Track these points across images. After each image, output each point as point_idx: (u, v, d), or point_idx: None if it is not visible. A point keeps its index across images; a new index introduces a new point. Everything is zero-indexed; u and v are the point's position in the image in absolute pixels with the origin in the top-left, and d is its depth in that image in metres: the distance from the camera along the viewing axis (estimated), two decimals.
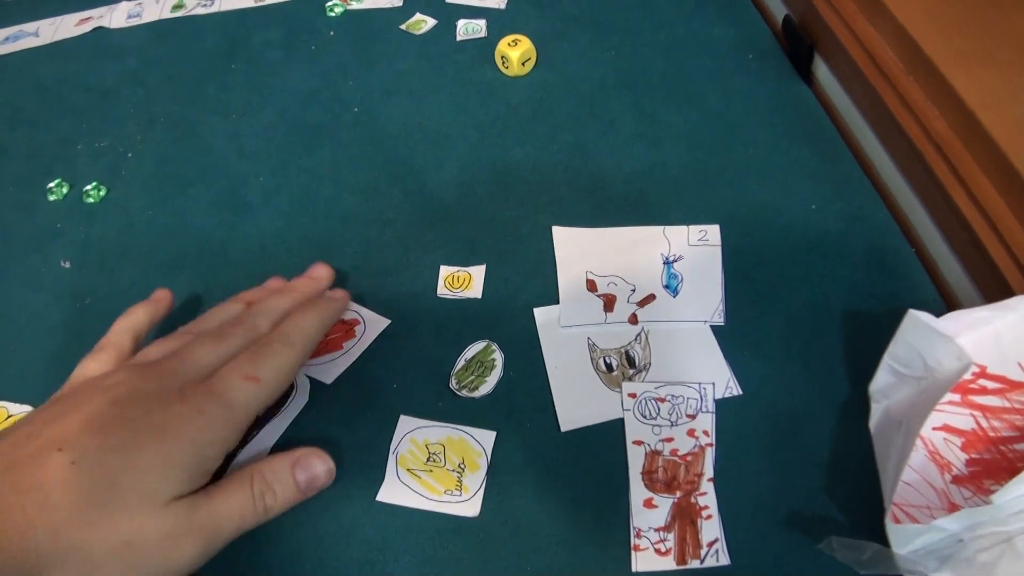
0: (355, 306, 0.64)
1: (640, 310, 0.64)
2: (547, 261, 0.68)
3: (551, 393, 0.60)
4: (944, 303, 0.61)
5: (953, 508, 0.47)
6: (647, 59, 0.83)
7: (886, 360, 0.54)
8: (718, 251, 0.67)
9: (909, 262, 0.66)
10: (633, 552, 0.52)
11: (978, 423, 0.54)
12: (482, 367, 0.61)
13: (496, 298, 0.66)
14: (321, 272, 0.64)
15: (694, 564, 0.51)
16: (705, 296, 0.65)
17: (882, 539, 0.48)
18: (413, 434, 0.59)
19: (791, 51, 0.81)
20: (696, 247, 0.68)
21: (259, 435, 0.59)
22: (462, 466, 0.57)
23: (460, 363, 0.62)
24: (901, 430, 0.52)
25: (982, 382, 0.55)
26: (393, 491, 0.56)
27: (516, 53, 0.79)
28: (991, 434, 0.53)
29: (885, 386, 0.55)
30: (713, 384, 0.59)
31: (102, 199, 0.75)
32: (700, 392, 0.59)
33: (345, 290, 0.63)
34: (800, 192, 0.70)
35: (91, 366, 0.54)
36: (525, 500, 0.55)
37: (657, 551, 0.52)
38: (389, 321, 0.63)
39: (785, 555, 0.51)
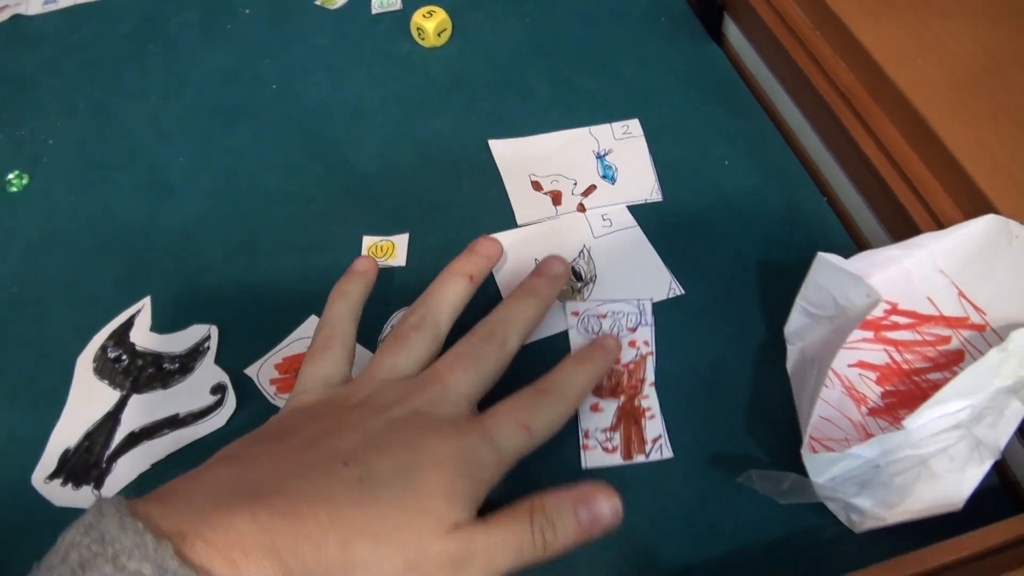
0: None
1: (585, 199, 0.68)
2: (469, 226, 0.69)
3: None
4: (857, 248, 0.63)
5: (870, 439, 0.49)
6: (561, 27, 0.83)
7: (799, 302, 0.56)
8: (643, 140, 0.74)
9: (822, 212, 0.67)
10: (582, 451, 0.55)
11: (892, 357, 0.56)
12: None
13: (421, 265, 0.67)
14: (555, 266, 0.61)
15: (639, 459, 0.55)
16: (640, 179, 0.71)
17: (802, 472, 0.49)
18: None
19: (702, 13, 0.82)
20: (622, 139, 0.73)
21: (167, 436, 0.60)
22: None
23: (387, 329, 0.63)
24: (815, 366, 0.54)
25: (894, 318, 0.57)
26: None
27: (431, 24, 0.80)
28: (904, 367, 0.55)
29: (799, 328, 0.57)
30: (651, 299, 0.63)
31: (24, 188, 0.74)
32: (639, 308, 0.62)
33: (617, 339, 0.59)
34: (715, 150, 0.72)
35: (325, 367, 0.54)
36: None
37: (604, 449, 0.55)
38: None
39: (724, 450, 0.55)
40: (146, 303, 0.67)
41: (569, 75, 0.79)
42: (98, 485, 0.57)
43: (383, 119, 0.77)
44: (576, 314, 0.62)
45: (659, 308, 0.62)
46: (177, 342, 0.64)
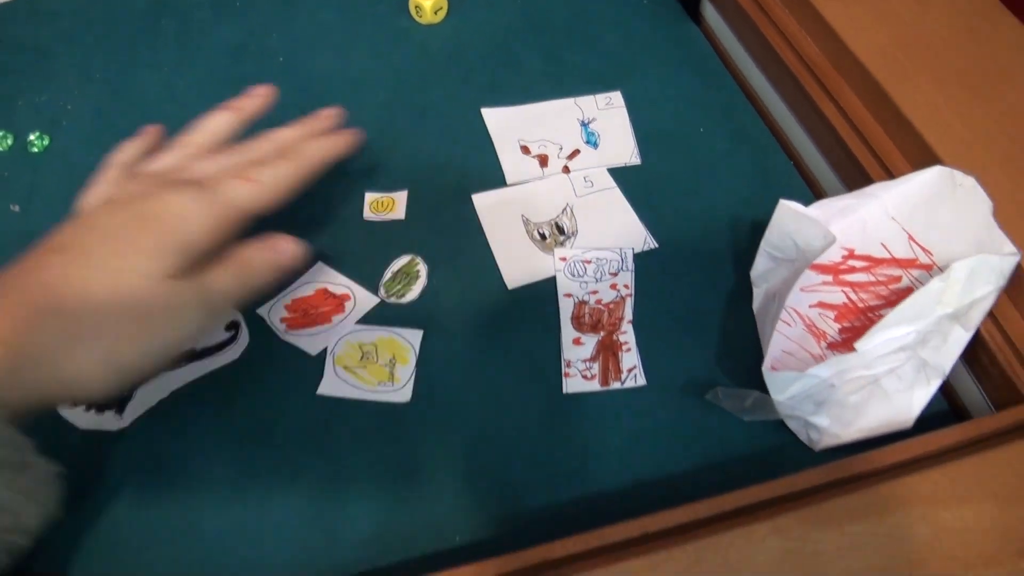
0: (347, 281, 0.69)
1: (569, 162, 0.74)
2: (462, 183, 0.74)
3: (478, 292, 0.68)
4: None
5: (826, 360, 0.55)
6: (551, 6, 0.89)
7: (763, 247, 0.62)
8: (624, 110, 0.80)
9: (788, 172, 0.74)
10: (563, 378, 0.61)
11: (848, 297, 0.61)
12: (407, 278, 0.67)
13: (418, 219, 0.72)
14: (328, 112, 0.66)
15: (615, 385, 0.61)
16: (620, 144, 0.77)
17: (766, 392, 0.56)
18: (348, 337, 0.65)
19: None
20: (605, 110, 0.80)
21: (184, 368, 0.64)
22: (393, 361, 0.63)
23: (387, 275, 0.68)
24: (776, 301, 0.59)
25: (851, 262, 0.62)
26: (332, 385, 0.62)
27: (429, 2, 0.86)
28: (860, 305, 0.61)
29: (763, 271, 0.63)
30: (632, 249, 0.69)
31: (46, 148, 0.79)
32: (621, 255, 0.68)
33: (355, 132, 0.64)
34: (691, 118, 0.78)
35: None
36: (452, 384, 0.62)
37: (584, 376, 0.61)
38: (378, 299, 0.67)
39: (694, 379, 0.61)
40: None
41: (558, 50, 0.85)
42: (120, 410, 0.61)
43: (383, 89, 0.82)
44: (564, 259, 0.67)
45: (638, 258, 0.68)
46: None
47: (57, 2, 0.96)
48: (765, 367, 0.55)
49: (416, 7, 0.87)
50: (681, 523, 0.48)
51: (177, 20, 0.92)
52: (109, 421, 0.61)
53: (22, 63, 0.88)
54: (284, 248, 0.57)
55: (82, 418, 0.61)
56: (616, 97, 0.80)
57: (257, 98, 0.64)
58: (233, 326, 0.66)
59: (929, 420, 0.56)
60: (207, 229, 0.53)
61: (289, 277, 0.68)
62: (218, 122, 0.62)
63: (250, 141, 0.61)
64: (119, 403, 0.62)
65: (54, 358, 0.46)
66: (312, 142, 0.61)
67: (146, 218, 0.51)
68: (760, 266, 0.63)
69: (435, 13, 0.87)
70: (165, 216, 0.52)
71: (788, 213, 0.60)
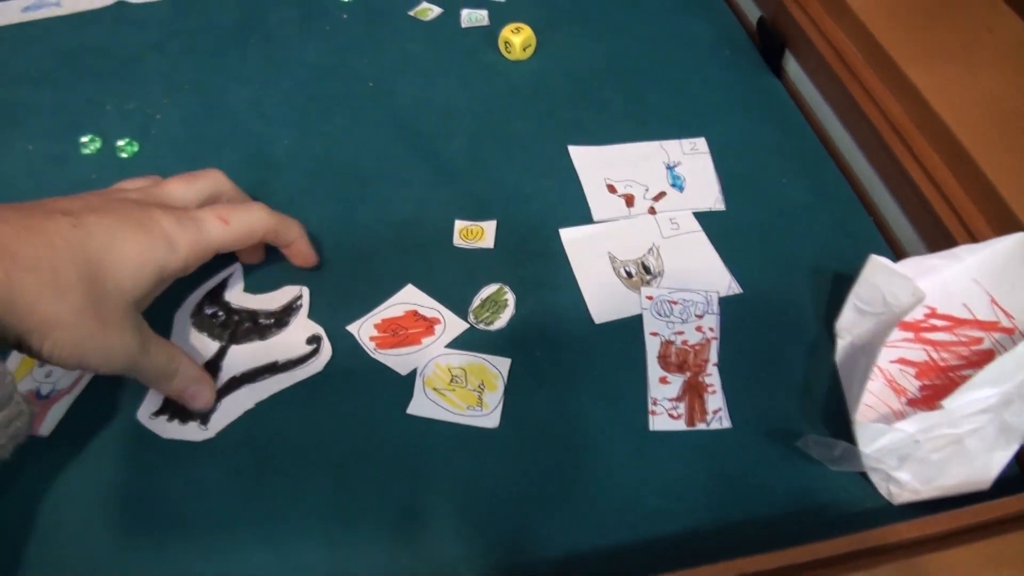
0: (436, 305, 0.70)
1: (656, 203, 0.76)
2: (550, 216, 0.76)
3: (564, 324, 0.69)
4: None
5: (913, 415, 0.56)
6: (634, 51, 0.91)
7: (851, 299, 0.64)
8: (708, 157, 0.81)
9: (868, 228, 0.75)
10: (650, 416, 0.62)
11: (929, 356, 0.63)
12: (496, 306, 0.69)
13: (506, 249, 0.74)
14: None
15: (701, 426, 0.62)
16: (705, 190, 0.78)
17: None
18: (437, 359, 0.66)
19: (763, 48, 0.90)
20: (689, 155, 0.81)
21: (267, 380, 0.66)
22: (481, 386, 0.65)
23: (476, 302, 0.69)
24: (865, 352, 0.61)
25: (932, 321, 0.64)
26: (421, 406, 0.64)
27: (519, 39, 0.88)
28: (941, 364, 0.62)
29: (849, 323, 0.65)
30: (717, 292, 0.70)
31: (135, 154, 0.81)
32: (707, 298, 0.70)
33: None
34: (772, 168, 0.79)
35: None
36: (539, 413, 0.63)
37: (670, 415, 0.62)
38: (467, 325, 0.69)
39: (777, 425, 0.62)
40: (237, 267, 0.73)
41: (641, 93, 0.87)
42: (204, 421, 0.63)
43: (470, 119, 0.85)
44: (650, 298, 0.69)
45: (723, 302, 0.70)
46: (270, 301, 0.71)
47: (143, 11, 0.99)
48: (855, 418, 0.57)
49: (506, 43, 0.89)
50: (780, 566, 0.49)
51: (264, 38, 0.95)
52: (193, 432, 0.63)
53: (109, 70, 0.90)
54: (201, 395, 0.63)
55: (164, 428, 0.63)
56: (701, 143, 0.82)
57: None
58: (315, 340, 0.68)
59: (1003, 483, 0.58)
60: (183, 255, 0.59)
61: (379, 299, 0.70)
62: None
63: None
64: (203, 415, 0.63)
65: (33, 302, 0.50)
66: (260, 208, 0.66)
67: (139, 223, 0.56)
68: (846, 318, 0.64)
69: (524, 50, 0.89)
70: (154, 230, 0.57)
71: (879, 268, 0.61)
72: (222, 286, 0.72)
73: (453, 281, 0.71)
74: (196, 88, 0.88)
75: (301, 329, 0.69)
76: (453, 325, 0.69)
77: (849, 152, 0.81)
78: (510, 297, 0.69)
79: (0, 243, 0.49)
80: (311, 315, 0.69)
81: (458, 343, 0.68)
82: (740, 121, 0.84)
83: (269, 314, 0.70)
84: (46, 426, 0.63)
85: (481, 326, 0.68)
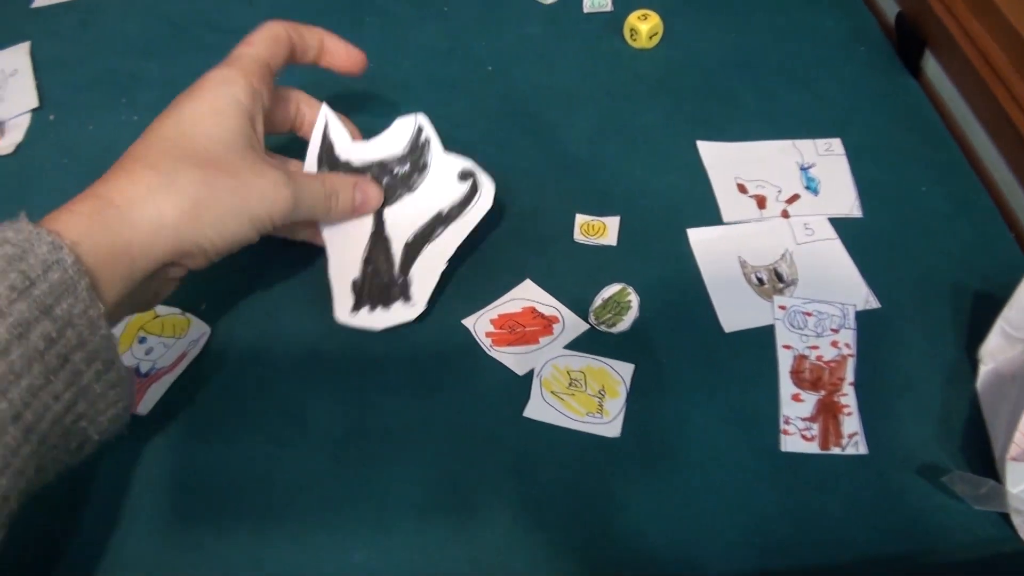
0: (555, 303, 0.68)
1: (789, 207, 0.72)
2: (676, 215, 0.73)
3: (691, 330, 0.66)
4: None
5: None
6: (764, 44, 0.87)
7: (999, 324, 0.60)
8: (844, 159, 0.77)
9: (1010, 246, 0.71)
10: (782, 436, 0.59)
11: None
12: (618, 307, 0.66)
13: (630, 247, 0.71)
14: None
15: (836, 451, 0.58)
16: (841, 194, 0.74)
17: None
18: (555, 360, 0.64)
19: (901, 46, 0.86)
20: (824, 156, 0.77)
21: (442, 235, 0.65)
22: (602, 392, 0.62)
23: (598, 302, 0.66)
24: (1016, 383, 0.57)
25: None
26: (538, 409, 0.61)
27: (646, 26, 0.84)
28: None
29: (995, 349, 0.61)
30: (854, 305, 0.66)
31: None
32: (843, 311, 0.66)
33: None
34: (909, 174, 0.75)
35: None
36: (662, 424, 0.61)
37: (803, 436, 0.59)
38: (588, 326, 0.66)
39: (915, 455, 0.58)
40: (325, 112, 0.68)
41: (771, 88, 0.83)
42: (406, 297, 0.64)
43: (593, 108, 0.82)
44: (783, 308, 0.66)
45: (860, 316, 0.66)
46: (391, 144, 0.68)
47: None
48: (1006, 455, 0.53)
49: (631, 31, 0.86)
50: None
51: (380, 17, 0.93)
52: (401, 312, 0.64)
53: (219, 42, 0.87)
54: (369, 191, 0.64)
55: (372, 320, 0.64)
56: (836, 144, 0.78)
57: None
58: (467, 175, 0.65)
59: None
60: (239, 86, 0.58)
61: (497, 293, 0.68)
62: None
63: None
64: (402, 291, 0.64)
65: (147, 202, 0.51)
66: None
67: (188, 93, 0.58)
68: (993, 343, 0.60)
69: (650, 38, 0.86)
70: (199, 88, 0.58)
71: None
72: (328, 146, 0.67)
73: (573, 278, 0.69)
74: (306, 67, 0.85)
75: (446, 166, 0.66)
76: (573, 325, 0.66)
77: (991, 160, 0.77)
78: (633, 299, 0.66)
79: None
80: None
81: (578, 344, 0.65)
82: (876, 122, 0.80)
83: (400, 159, 0.66)
84: (145, 404, 0.62)
85: (602, 327, 0.65)
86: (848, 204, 0.73)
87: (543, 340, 0.66)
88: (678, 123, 0.80)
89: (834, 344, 0.64)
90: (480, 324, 0.66)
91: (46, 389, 0.44)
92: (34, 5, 0.99)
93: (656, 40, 0.87)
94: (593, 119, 0.81)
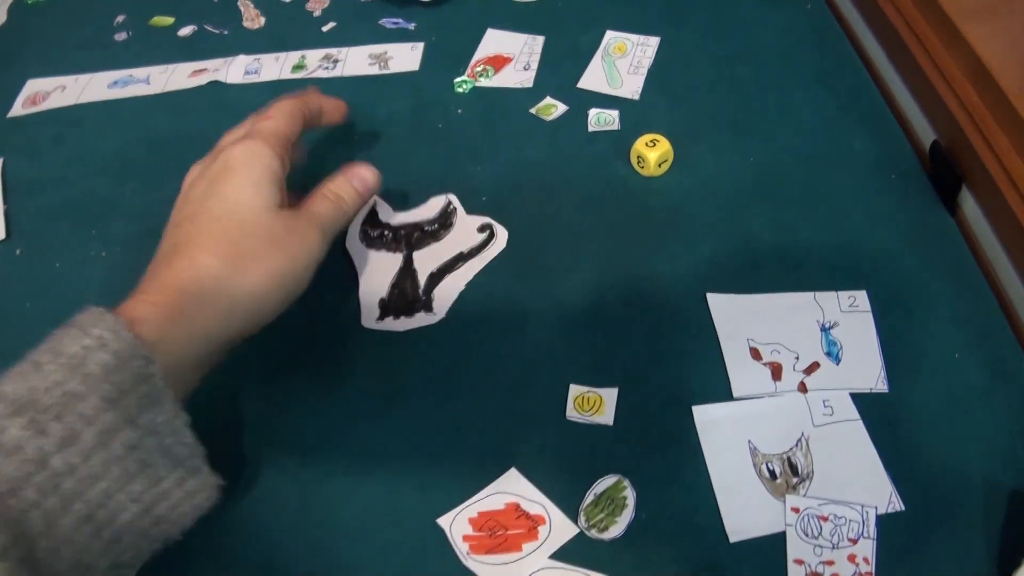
0: (542, 498, 0.61)
1: (807, 378, 0.65)
2: (682, 387, 0.66)
3: (692, 537, 0.59)
4: None
5: None
6: (786, 167, 0.80)
7: None
8: (870, 316, 0.69)
9: None
10: None
11: None
12: (612, 504, 0.60)
13: (628, 426, 0.64)
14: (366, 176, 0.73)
15: None
16: (865, 362, 0.66)
17: None
18: (539, 575, 0.57)
19: (935, 177, 0.78)
20: (848, 313, 0.69)
21: (462, 268, 0.74)
22: None
23: (589, 497, 0.60)
24: None
25: None
26: None
27: (654, 155, 0.77)
28: None
29: None
30: (875, 508, 0.58)
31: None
32: (863, 515, 0.58)
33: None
34: (944, 336, 0.68)
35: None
36: None
37: None
38: (578, 530, 0.60)
39: None
40: (376, 198, 0.80)
41: (793, 224, 0.76)
42: (428, 310, 0.71)
43: (595, 249, 0.75)
44: (796, 510, 0.59)
45: (881, 521, 0.59)
46: (425, 212, 0.79)
47: (240, 93, 0.95)
48: None
49: (639, 158, 0.79)
50: None
51: (372, 135, 0.88)
52: (422, 319, 0.71)
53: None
54: (363, 175, 0.70)
55: (396, 324, 0.71)
56: (861, 298, 0.70)
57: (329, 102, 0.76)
58: (486, 227, 0.77)
59: None
60: (269, 157, 0.63)
61: (478, 483, 0.62)
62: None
63: None
64: (424, 305, 0.72)
65: (220, 286, 0.56)
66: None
67: (224, 168, 0.62)
68: None
69: (659, 166, 0.79)
70: (235, 163, 0.62)
71: None
72: (372, 213, 0.79)
73: (564, 465, 0.62)
74: (294, 190, 0.79)
75: (468, 223, 0.77)
76: (560, 528, 0.59)
77: None
78: (630, 494, 0.60)
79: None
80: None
81: (565, 554, 0.58)
82: (906, 268, 0.73)
83: (431, 221, 0.78)
84: None
85: (593, 532, 0.59)
86: (873, 376, 0.65)
87: (527, 547, 0.59)
88: (688, 269, 0.73)
89: (851, 559, 0.57)
90: (457, 524, 0.60)
91: (123, 491, 0.47)
92: (11, 114, 0.94)
93: (666, 167, 0.80)
94: (594, 263, 0.74)
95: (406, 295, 0.72)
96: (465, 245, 0.75)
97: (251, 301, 0.58)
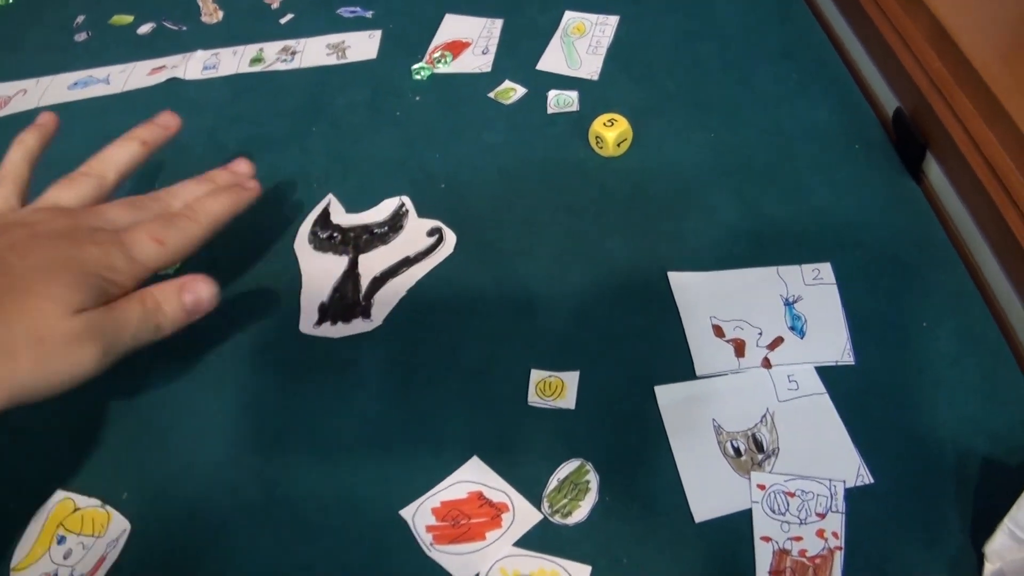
0: (505, 486, 0.60)
1: (771, 353, 0.64)
2: (643, 367, 0.65)
3: (658, 518, 0.58)
4: None
5: None
6: (748, 142, 0.79)
7: (1006, 523, 0.52)
8: (835, 288, 0.68)
9: (1022, 398, 0.62)
10: None
11: None
12: (576, 489, 0.58)
13: (590, 409, 0.63)
14: (241, 167, 0.70)
15: None
16: (830, 335, 0.65)
17: None
18: (503, 562, 0.56)
19: (900, 146, 0.77)
20: (812, 286, 0.68)
21: (407, 272, 0.72)
22: None
23: (552, 483, 0.59)
24: None
25: None
26: None
27: (612, 134, 0.76)
28: None
29: (1001, 548, 0.53)
30: (843, 481, 0.57)
31: (177, 271, 0.71)
32: (831, 489, 0.57)
33: (257, 182, 0.68)
34: (908, 306, 0.67)
35: None
36: None
37: None
38: (541, 516, 0.58)
39: None
40: (331, 197, 0.79)
41: (756, 198, 0.75)
42: (366, 316, 0.69)
43: (555, 231, 0.74)
44: (762, 487, 0.58)
45: (850, 495, 0.58)
46: (376, 215, 0.77)
47: (198, 90, 0.93)
48: None
49: (597, 138, 0.77)
50: None
51: (330, 125, 0.87)
52: (360, 326, 0.70)
53: (159, 160, 0.83)
54: (199, 292, 0.60)
55: (332, 331, 0.70)
56: (825, 270, 0.69)
57: (161, 128, 0.70)
58: (435, 231, 0.75)
59: None
60: (119, 282, 0.57)
61: (440, 472, 0.61)
62: (125, 153, 0.67)
63: (158, 193, 0.65)
64: (362, 312, 0.70)
65: None
66: (216, 199, 0.64)
67: (66, 263, 0.55)
68: (999, 542, 0.53)
69: (618, 146, 0.78)
70: (84, 264, 0.55)
71: None
72: (325, 213, 0.78)
73: (526, 451, 0.61)
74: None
75: (418, 226, 0.76)
76: (524, 515, 0.58)
77: (1000, 288, 0.68)
78: (593, 478, 0.59)
79: None
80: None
81: (529, 540, 0.57)
82: (872, 238, 0.72)
83: (381, 224, 0.76)
84: None
85: (557, 517, 0.58)
86: (838, 349, 0.64)
87: (490, 535, 0.58)
88: (648, 247, 0.72)
89: (820, 534, 0.56)
90: (420, 515, 0.59)
91: None
92: None
93: (625, 147, 0.78)
94: (554, 245, 0.73)
95: (346, 299, 0.71)
96: (413, 249, 0.74)
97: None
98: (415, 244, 0.74)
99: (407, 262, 0.73)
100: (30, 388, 0.51)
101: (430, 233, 0.75)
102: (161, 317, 0.58)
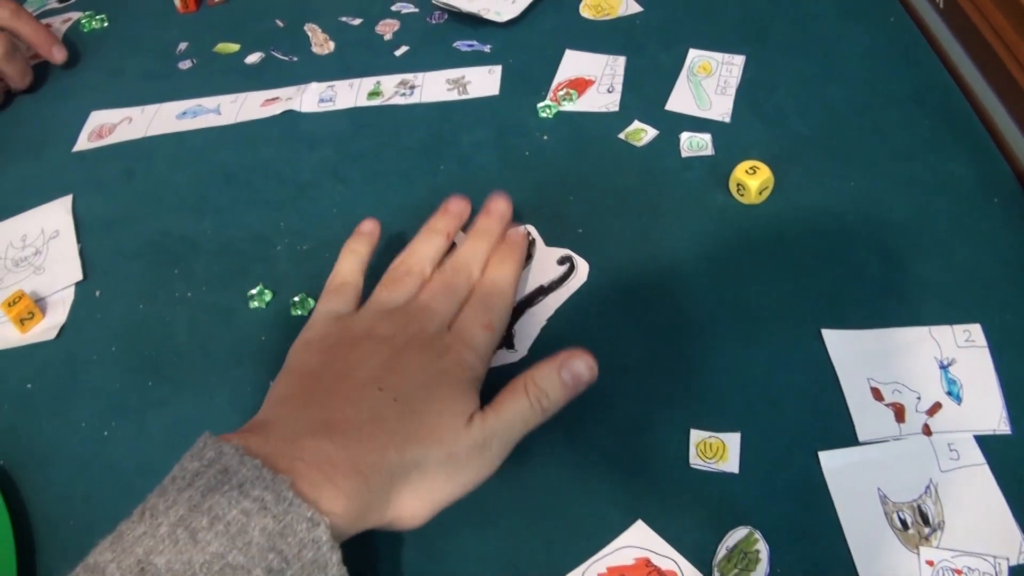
0: (672, 552, 0.59)
1: (930, 419, 0.63)
2: (806, 432, 0.64)
3: None
4: None
5: None
6: (886, 194, 0.78)
7: None
8: (986, 352, 0.66)
9: None
10: None
11: None
12: (746, 559, 0.58)
13: (754, 474, 0.62)
14: (501, 207, 0.73)
15: None
16: (986, 402, 0.64)
17: None
18: None
19: None
20: (964, 348, 0.66)
21: (542, 302, 0.73)
22: None
23: (722, 551, 0.59)
24: None
25: None
26: None
27: (755, 183, 0.75)
28: None
29: None
30: (1007, 559, 0.56)
31: (310, 312, 0.71)
32: (995, 567, 0.56)
33: (521, 230, 0.74)
34: None
35: (335, 304, 0.66)
36: None
37: None
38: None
39: None
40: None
41: (899, 252, 0.74)
42: (509, 346, 0.70)
43: (701, 283, 0.73)
44: (931, 563, 0.57)
45: (1013, 573, 0.56)
46: None
47: (316, 124, 0.92)
48: None
49: (738, 185, 0.76)
50: None
51: (458, 164, 0.87)
52: (504, 357, 0.70)
53: (280, 198, 0.82)
54: (577, 369, 0.60)
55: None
56: (976, 332, 0.68)
57: (458, 219, 0.73)
58: (566, 260, 0.75)
59: None
60: (479, 377, 0.62)
61: (603, 532, 0.60)
62: (432, 248, 0.70)
63: (455, 264, 0.69)
64: (506, 342, 0.71)
65: (385, 504, 0.53)
66: (507, 266, 0.70)
67: (442, 376, 0.59)
68: None
69: (760, 194, 0.76)
70: (452, 373, 0.60)
71: None
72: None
73: (692, 517, 0.60)
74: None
75: (547, 255, 0.76)
76: None
77: None
78: (763, 549, 0.58)
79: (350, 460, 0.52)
80: None
81: None
82: (1018, 299, 0.70)
83: None
84: None
85: None
86: (994, 417, 0.63)
87: None
88: (798, 302, 0.71)
89: None
90: None
91: None
92: (76, 148, 0.92)
93: (766, 195, 0.77)
94: (700, 296, 0.72)
95: None
96: (545, 278, 0.74)
97: (400, 517, 0.55)
98: (547, 273, 0.74)
99: (541, 291, 0.73)
100: (440, 503, 0.56)
101: (560, 262, 0.75)
102: (546, 402, 0.59)
